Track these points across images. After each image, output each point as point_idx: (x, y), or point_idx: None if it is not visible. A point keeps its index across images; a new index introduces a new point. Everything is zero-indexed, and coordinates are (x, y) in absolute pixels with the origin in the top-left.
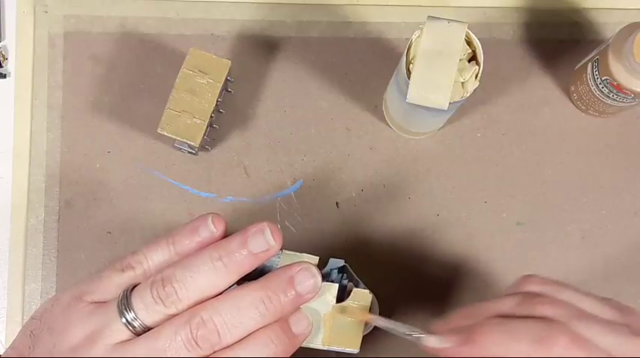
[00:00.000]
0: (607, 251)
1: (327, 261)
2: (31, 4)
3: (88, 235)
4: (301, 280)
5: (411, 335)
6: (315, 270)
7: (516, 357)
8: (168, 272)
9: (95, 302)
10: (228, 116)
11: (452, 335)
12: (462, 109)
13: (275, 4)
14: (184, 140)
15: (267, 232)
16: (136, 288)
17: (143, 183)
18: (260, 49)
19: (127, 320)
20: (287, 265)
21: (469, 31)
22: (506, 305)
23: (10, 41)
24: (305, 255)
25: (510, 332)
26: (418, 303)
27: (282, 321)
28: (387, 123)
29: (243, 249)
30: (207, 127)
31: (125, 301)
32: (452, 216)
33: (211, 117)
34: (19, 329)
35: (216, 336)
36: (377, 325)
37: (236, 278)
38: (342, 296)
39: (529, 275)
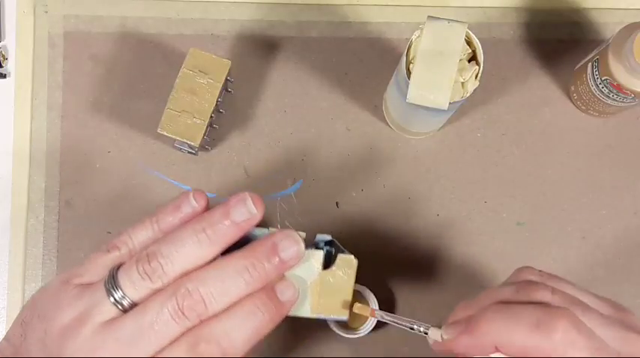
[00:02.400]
0: (607, 251)
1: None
2: (31, 4)
3: (88, 235)
4: (285, 247)
5: (414, 328)
6: (299, 237)
7: (517, 342)
8: (154, 248)
9: (83, 285)
10: (228, 116)
11: (453, 326)
12: (462, 109)
13: (275, 4)
14: (184, 140)
15: (249, 201)
16: (122, 267)
17: (143, 183)
18: (260, 49)
19: (115, 298)
20: (270, 234)
21: (469, 31)
22: (506, 293)
23: (10, 41)
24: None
25: (510, 317)
26: (418, 303)
27: (268, 289)
28: (387, 123)
29: (226, 220)
30: (207, 127)
31: (112, 280)
32: (452, 216)
33: (211, 117)
34: None
35: (203, 306)
36: (382, 320)
37: (220, 249)
38: (330, 265)
39: (524, 267)
